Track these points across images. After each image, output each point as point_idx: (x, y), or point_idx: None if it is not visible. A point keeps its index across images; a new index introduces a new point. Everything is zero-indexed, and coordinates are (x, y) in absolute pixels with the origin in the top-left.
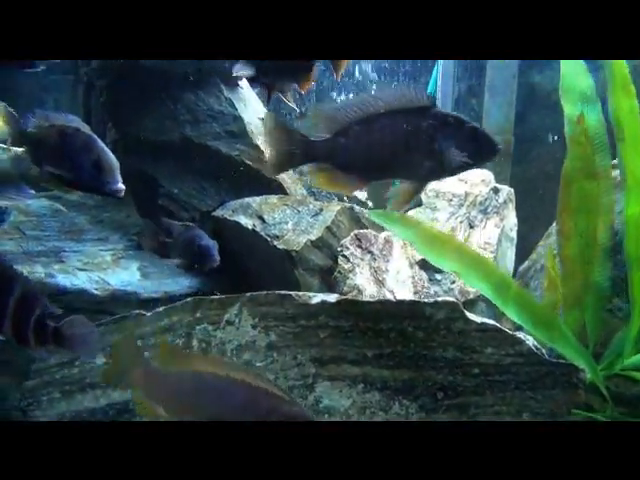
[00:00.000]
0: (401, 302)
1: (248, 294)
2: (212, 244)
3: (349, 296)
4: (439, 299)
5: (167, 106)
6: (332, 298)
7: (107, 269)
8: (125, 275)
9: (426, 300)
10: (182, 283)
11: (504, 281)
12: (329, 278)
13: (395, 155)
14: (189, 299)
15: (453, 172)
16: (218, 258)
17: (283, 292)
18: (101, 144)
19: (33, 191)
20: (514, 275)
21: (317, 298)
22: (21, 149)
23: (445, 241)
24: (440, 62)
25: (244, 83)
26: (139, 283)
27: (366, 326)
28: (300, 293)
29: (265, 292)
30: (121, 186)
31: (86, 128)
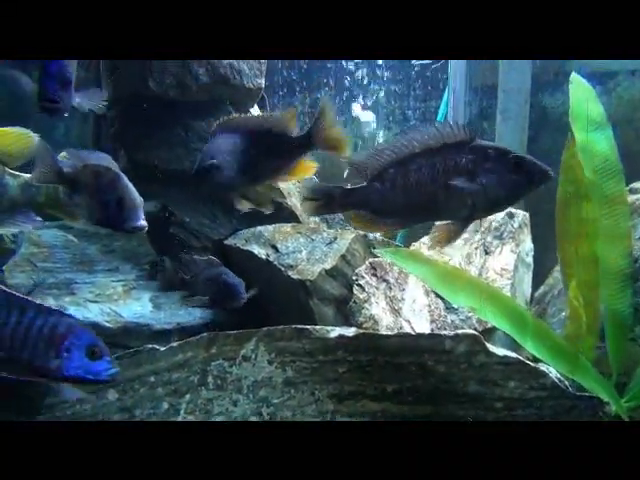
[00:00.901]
0: (420, 335)
1: (264, 329)
2: (238, 282)
3: (366, 328)
4: (459, 332)
5: (178, 134)
6: (350, 332)
7: (118, 300)
8: (137, 306)
9: (446, 333)
10: (194, 314)
11: (521, 314)
12: (344, 308)
13: (434, 196)
14: (204, 334)
15: (498, 207)
16: (245, 296)
17: (300, 326)
18: (125, 182)
19: (40, 218)
20: (530, 301)
21: (335, 332)
22: (28, 175)
23: (458, 277)
24: (451, 85)
25: (254, 110)
26: (151, 314)
27: (385, 360)
28: (317, 327)
29: (282, 327)
30: (142, 223)
31: (114, 166)
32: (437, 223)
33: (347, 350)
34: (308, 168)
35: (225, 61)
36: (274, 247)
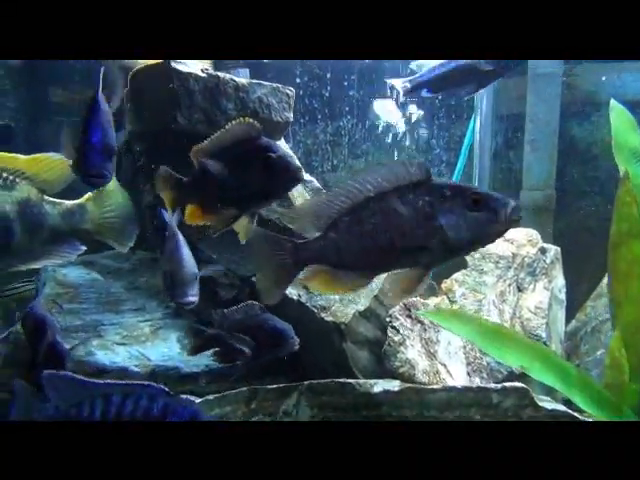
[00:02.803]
0: (468, 389)
1: (306, 383)
2: (288, 327)
3: (402, 372)
4: (507, 385)
5: None
6: (395, 386)
7: (146, 342)
8: (164, 347)
9: (493, 386)
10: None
11: (566, 369)
12: (378, 350)
13: (393, 242)
14: (244, 389)
15: (463, 251)
16: (298, 341)
17: (342, 380)
18: (178, 255)
19: (84, 247)
20: None
21: (379, 387)
22: (69, 202)
23: (506, 336)
24: (477, 115)
25: (282, 142)
26: (179, 356)
27: (431, 416)
28: (361, 381)
29: (324, 381)
30: (190, 299)
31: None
32: (392, 272)
33: (392, 405)
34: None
35: (254, 95)
36: (305, 287)
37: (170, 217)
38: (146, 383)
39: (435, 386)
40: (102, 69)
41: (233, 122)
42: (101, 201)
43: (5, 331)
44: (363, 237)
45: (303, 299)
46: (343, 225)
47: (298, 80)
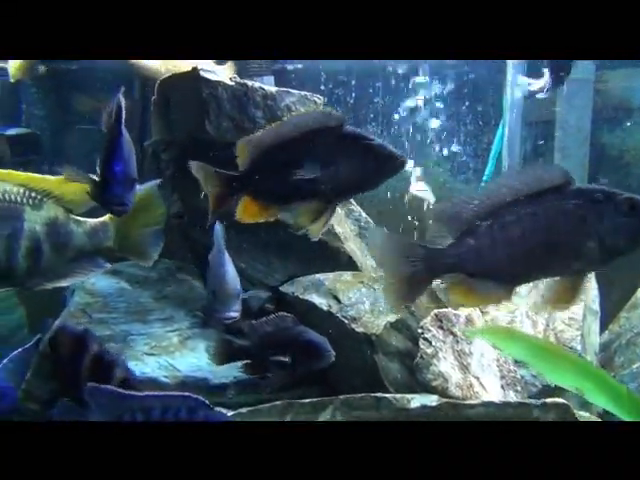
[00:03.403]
0: (507, 404)
1: (342, 397)
2: (323, 339)
3: (435, 386)
4: (548, 400)
5: None
6: (432, 401)
7: (175, 352)
8: (193, 358)
9: (533, 402)
10: None
11: (617, 389)
12: (410, 362)
13: (543, 248)
14: (277, 402)
15: (617, 256)
16: (334, 354)
17: (379, 395)
18: (224, 270)
19: (108, 264)
20: None
21: (416, 402)
22: (94, 220)
23: (561, 356)
24: (506, 121)
25: None
26: (208, 367)
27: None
28: (398, 396)
29: (360, 395)
30: (232, 315)
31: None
32: (546, 281)
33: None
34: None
35: (282, 103)
36: (336, 297)
37: (219, 231)
38: (186, 394)
39: (473, 401)
40: (120, 95)
41: (303, 111)
42: (127, 217)
43: (32, 340)
44: (508, 243)
45: (333, 309)
46: (484, 230)
47: (322, 87)
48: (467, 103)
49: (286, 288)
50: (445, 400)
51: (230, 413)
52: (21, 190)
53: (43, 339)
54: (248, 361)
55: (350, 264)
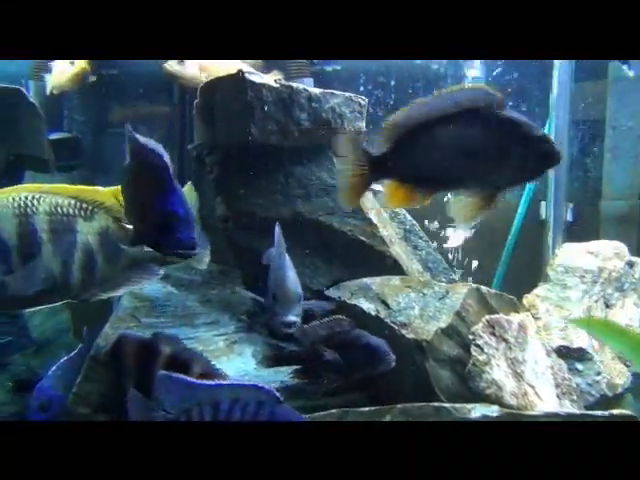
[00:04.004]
0: (570, 415)
1: (399, 406)
2: (382, 342)
3: (489, 394)
4: (614, 412)
5: (278, 181)
6: (493, 412)
7: (222, 357)
8: (240, 362)
9: (599, 413)
10: None
11: None
12: (461, 369)
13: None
14: (333, 410)
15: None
16: (394, 358)
17: (437, 404)
18: (281, 273)
19: (162, 270)
20: None
21: (477, 412)
22: None
23: None
24: (552, 119)
25: None
26: (255, 372)
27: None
28: (457, 405)
29: (419, 404)
30: (292, 319)
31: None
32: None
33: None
34: None
35: (327, 105)
36: (384, 302)
37: (279, 232)
38: (259, 385)
39: (535, 412)
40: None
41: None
42: None
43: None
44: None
45: (382, 315)
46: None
47: (362, 88)
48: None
49: (332, 292)
50: (506, 410)
51: None
52: (72, 202)
53: (95, 346)
54: (298, 366)
55: (395, 268)
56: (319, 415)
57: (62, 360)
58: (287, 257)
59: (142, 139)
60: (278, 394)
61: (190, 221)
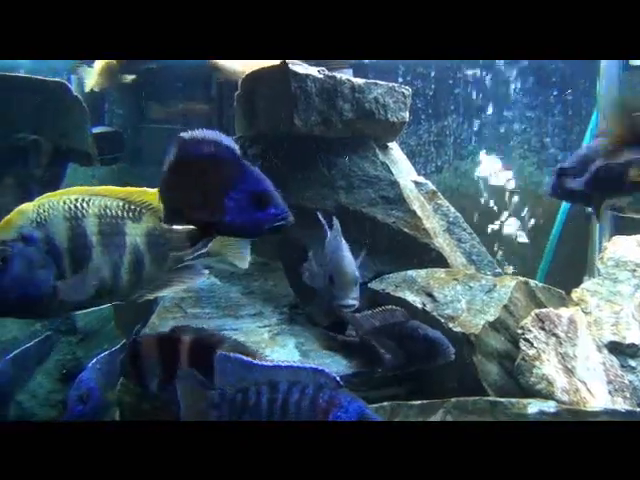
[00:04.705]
0: (632, 413)
1: (453, 399)
2: (440, 334)
3: (539, 389)
4: None
5: (321, 173)
6: (550, 407)
7: (266, 348)
8: (284, 354)
9: None
10: (341, 362)
11: None
12: (509, 364)
13: None
14: (385, 403)
15: None
16: (454, 351)
17: (493, 399)
18: (339, 255)
19: (207, 270)
20: None
21: (534, 407)
22: (192, 227)
23: None
24: (600, 110)
25: (393, 144)
26: (299, 364)
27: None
28: (513, 400)
29: (473, 398)
30: (351, 302)
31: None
32: None
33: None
34: None
35: (370, 95)
36: (430, 295)
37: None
38: (319, 368)
39: (595, 408)
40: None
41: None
42: None
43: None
44: None
45: (428, 308)
46: None
47: (400, 80)
48: (555, 92)
49: (376, 285)
50: (565, 407)
51: None
52: (121, 204)
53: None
54: (350, 357)
55: (439, 260)
56: (370, 408)
57: (103, 354)
58: (344, 241)
59: (194, 133)
60: (338, 378)
61: (278, 194)
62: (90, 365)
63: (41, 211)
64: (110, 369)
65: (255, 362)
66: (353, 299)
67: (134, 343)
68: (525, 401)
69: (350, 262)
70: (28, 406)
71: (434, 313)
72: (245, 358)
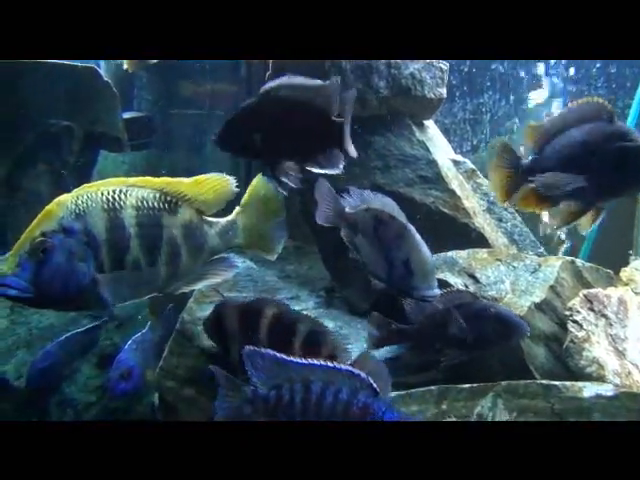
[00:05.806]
0: None
1: (504, 383)
2: (511, 312)
3: (590, 372)
4: None
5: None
6: (609, 391)
7: None
8: None
9: None
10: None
11: None
12: (556, 347)
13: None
14: (433, 387)
15: None
16: (529, 329)
17: (546, 382)
18: (415, 238)
19: (239, 262)
20: None
21: (590, 391)
22: (224, 219)
23: None
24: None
25: (431, 122)
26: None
27: None
28: (568, 383)
29: (524, 382)
30: (434, 292)
31: (402, 216)
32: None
33: (605, 412)
34: None
35: (406, 71)
36: (472, 276)
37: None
38: (355, 372)
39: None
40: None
41: (579, 101)
42: (251, 213)
43: (159, 325)
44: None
45: (471, 289)
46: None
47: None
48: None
49: None
50: (623, 390)
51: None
52: (157, 195)
53: (180, 320)
54: (407, 344)
55: (480, 240)
56: (416, 392)
57: (136, 335)
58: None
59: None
60: (375, 385)
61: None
62: (126, 347)
63: (80, 202)
64: (145, 348)
65: (287, 358)
66: (436, 288)
67: (220, 306)
68: (580, 384)
69: (426, 249)
70: (68, 391)
71: (477, 295)
72: (278, 355)
